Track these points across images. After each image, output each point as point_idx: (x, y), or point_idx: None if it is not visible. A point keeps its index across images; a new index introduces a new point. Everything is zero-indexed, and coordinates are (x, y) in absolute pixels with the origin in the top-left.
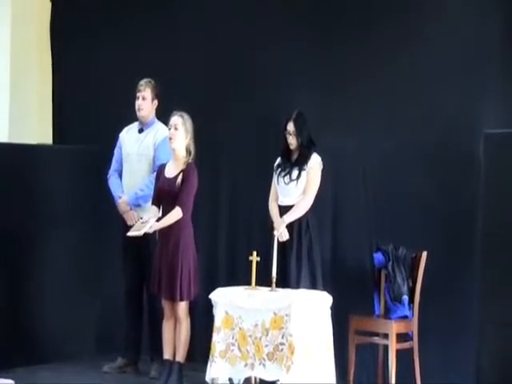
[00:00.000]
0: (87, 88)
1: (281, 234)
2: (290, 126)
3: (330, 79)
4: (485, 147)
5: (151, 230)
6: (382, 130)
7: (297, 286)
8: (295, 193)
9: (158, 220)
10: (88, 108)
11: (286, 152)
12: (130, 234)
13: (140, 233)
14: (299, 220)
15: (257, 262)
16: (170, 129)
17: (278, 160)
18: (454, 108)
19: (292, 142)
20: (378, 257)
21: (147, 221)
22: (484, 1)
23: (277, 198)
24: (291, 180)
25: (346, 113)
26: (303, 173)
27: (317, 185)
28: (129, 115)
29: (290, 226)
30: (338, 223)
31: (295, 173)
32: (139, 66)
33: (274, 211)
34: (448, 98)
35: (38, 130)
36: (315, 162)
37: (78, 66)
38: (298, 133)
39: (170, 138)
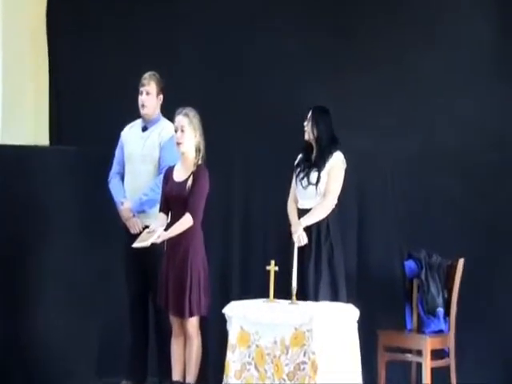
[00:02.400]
0: (87, 86)
1: (298, 237)
2: (309, 114)
3: (350, 75)
4: None
5: (159, 241)
6: (407, 127)
7: (316, 298)
8: (315, 196)
9: (167, 228)
10: (88, 107)
11: (307, 148)
12: (135, 245)
13: (147, 243)
14: (318, 224)
15: (275, 271)
16: (176, 130)
17: (299, 157)
18: (481, 107)
19: (307, 129)
20: (410, 265)
21: (154, 230)
22: None
23: (296, 200)
24: (309, 183)
25: (367, 110)
26: (323, 174)
27: (339, 185)
28: (131, 113)
29: (308, 231)
30: (364, 227)
31: (314, 175)
32: (141, 61)
33: (292, 212)
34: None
35: (34, 131)
36: (337, 160)
37: (76, 63)
38: (316, 122)
39: (178, 143)
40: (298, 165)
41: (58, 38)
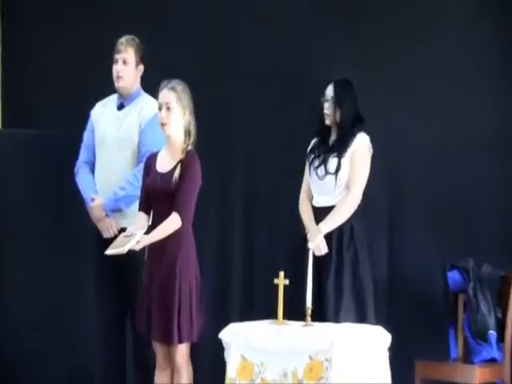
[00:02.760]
0: (46, 55)
1: (317, 246)
2: (329, 90)
3: (377, 51)
4: None
5: (138, 247)
6: (447, 108)
7: (337, 318)
8: (335, 189)
9: (148, 232)
10: (48, 80)
11: (323, 130)
12: (109, 251)
13: (123, 250)
14: (340, 227)
15: (285, 286)
16: (160, 109)
17: (313, 142)
18: None
19: (328, 112)
20: (454, 277)
21: (133, 233)
22: None
23: (310, 197)
24: (327, 172)
25: (398, 88)
26: (344, 161)
27: (365, 174)
28: (104, 87)
29: (328, 236)
30: (395, 229)
31: (333, 162)
32: (116, 21)
33: (306, 215)
34: None
35: None
36: (362, 143)
37: (32, 26)
38: (338, 103)
39: (163, 124)
40: (312, 150)
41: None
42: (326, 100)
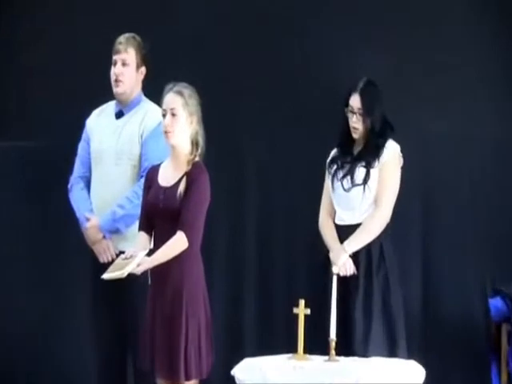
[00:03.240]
0: (37, 58)
1: (343, 265)
2: (355, 101)
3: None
4: None
5: (139, 270)
6: (492, 111)
7: (365, 352)
8: (362, 204)
9: (150, 254)
10: (38, 86)
11: (346, 140)
12: (106, 275)
13: (122, 274)
14: (368, 246)
15: (306, 315)
16: (164, 115)
17: (334, 152)
18: None
19: (357, 125)
20: (497, 304)
21: (133, 255)
22: None
23: (332, 213)
24: (354, 184)
25: (433, 86)
26: (373, 171)
27: (396, 188)
28: (100, 93)
29: (354, 258)
30: (430, 250)
31: (361, 172)
32: (114, 19)
33: (328, 233)
34: None
35: None
36: (392, 153)
37: (19, 26)
38: (368, 111)
39: (167, 132)
40: (334, 161)
41: None
42: (352, 112)
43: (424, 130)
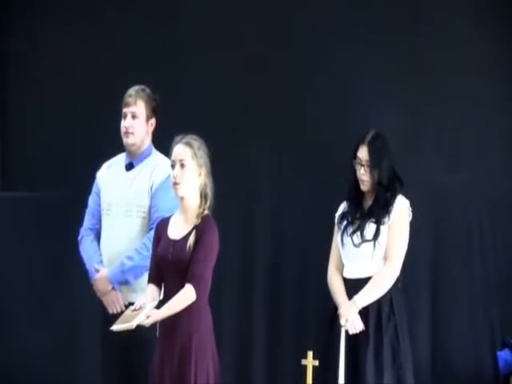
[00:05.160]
0: (44, 110)
1: (352, 323)
2: (363, 153)
3: (420, 90)
4: None
5: (148, 322)
6: (502, 163)
7: None
8: (372, 258)
9: (159, 306)
10: (46, 137)
11: (355, 193)
12: (115, 327)
13: (131, 325)
14: (379, 300)
15: (314, 367)
16: (173, 166)
17: (343, 207)
18: None
19: (364, 178)
20: (506, 357)
21: (142, 307)
22: None
23: (341, 268)
24: (364, 240)
25: (445, 138)
26: (383, 228)
27: (405, 243)
28: (110, 146)
29: (364, 311)
30: (439, 304)
31: (371, 228)
32: (122, 71)
33: (336, 288)
34: None
35: None
36: (402, 209)
37: (26, 75)
38: (376, 164)
39: (176, 184)
40: (344, 216)
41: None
42: (360, 164)
43: (434, 181)
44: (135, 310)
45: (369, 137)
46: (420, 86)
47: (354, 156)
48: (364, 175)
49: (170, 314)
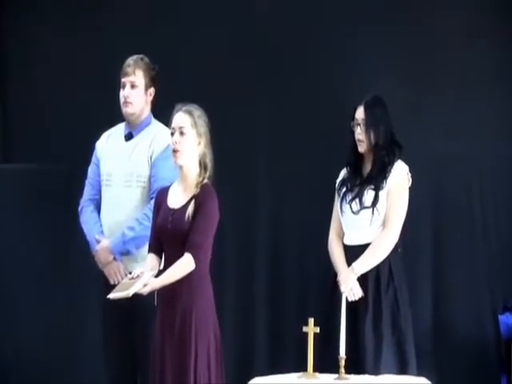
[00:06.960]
0: (44, 82)
1: (350, 290)
2: (360, 113)
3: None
4: None
5: (146, 290)
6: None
7: (375, 370)
8: (371, 225)
9: (158, 275)
10: (45, 109)
11: (355, 158)
12: (112, 295)
13: (127, 293)
14: (377, 267)
15: (315, 334)
16: (172, 134)
17: (343, 173)
18: None
19: (361, 137)
20: (507, 321)
21: (139, 275)
22: None
23: (341, 235)
24: (363, 207)
25: (445, 106)
26: (382, 193)
27: (404, 209)
28: (109, 116)
29: (362, 278)
30: (440, 268)
31: (370, 194)
32: (120, 41)
33: (336, 255)
34: None
35: None
36: (401, 174)
37: (27, 48)
38: (372, 125)
39: (175, 151)
40: (344, 183)
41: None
42: (357, 124)
43: (435, 146)
44: (133, 278)
45: (366, 98)
46: (420, 53)
47: (353, 118)
48: (360, 134)
49: (167, 283)
